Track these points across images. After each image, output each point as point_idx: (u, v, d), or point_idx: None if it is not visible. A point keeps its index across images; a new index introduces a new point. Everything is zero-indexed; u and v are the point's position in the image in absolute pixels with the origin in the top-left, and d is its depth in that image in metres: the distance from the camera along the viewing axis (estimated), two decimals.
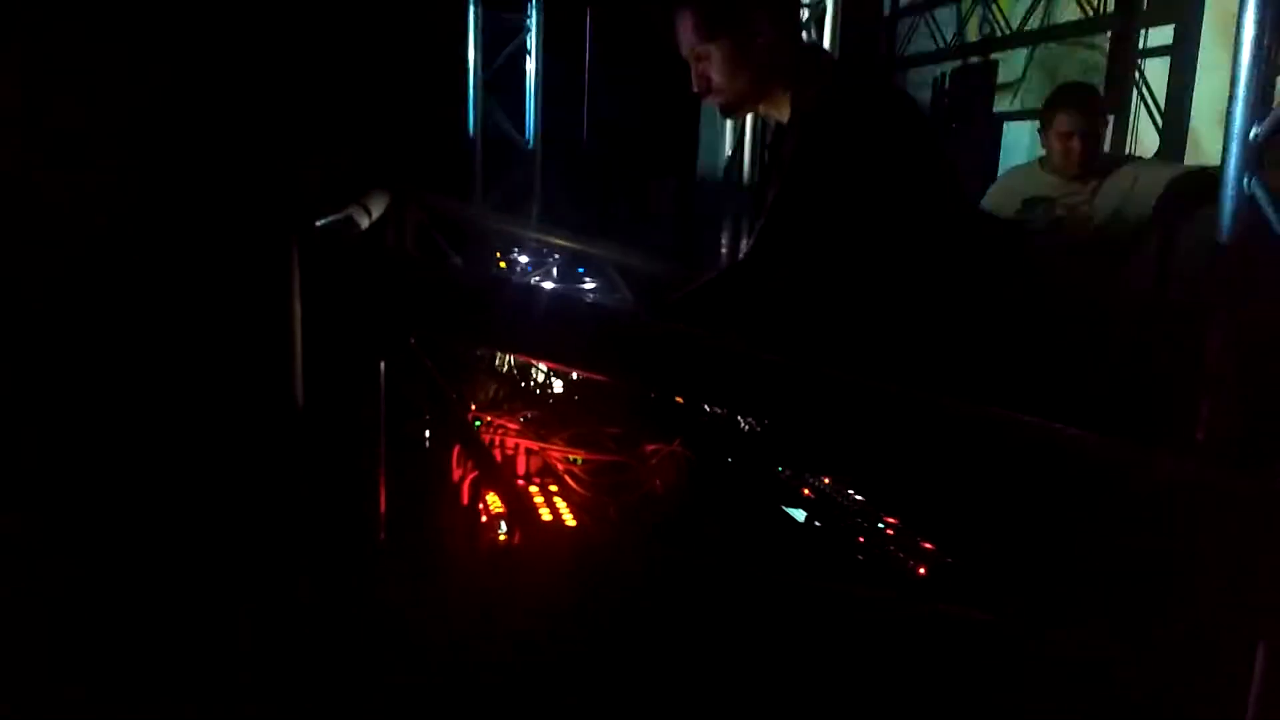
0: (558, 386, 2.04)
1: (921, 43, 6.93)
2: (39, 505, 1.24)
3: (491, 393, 1.94)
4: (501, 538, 1.45)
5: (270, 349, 1.20)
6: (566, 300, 1.78)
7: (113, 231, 1.13)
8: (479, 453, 1.50)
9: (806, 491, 1.91)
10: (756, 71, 2.22)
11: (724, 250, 4.46)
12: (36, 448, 1.22)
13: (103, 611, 1.30)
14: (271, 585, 1.22)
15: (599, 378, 1.95)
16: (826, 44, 4.32)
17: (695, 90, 2.30)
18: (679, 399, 2.09)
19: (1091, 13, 5.18)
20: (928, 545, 1.70)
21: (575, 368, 1.81)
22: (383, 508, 1.26)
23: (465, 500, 1.55)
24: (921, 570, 1.62)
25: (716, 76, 2.23)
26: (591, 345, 1.34)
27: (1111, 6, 4.95)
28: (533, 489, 1.63)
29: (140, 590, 1.32)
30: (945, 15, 6.70)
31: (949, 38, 6.63)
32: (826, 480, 1.94)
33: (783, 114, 2.29)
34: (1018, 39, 5.83)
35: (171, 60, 1.14)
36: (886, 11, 7.06)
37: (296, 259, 1.15)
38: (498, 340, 1.48)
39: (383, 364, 1.22)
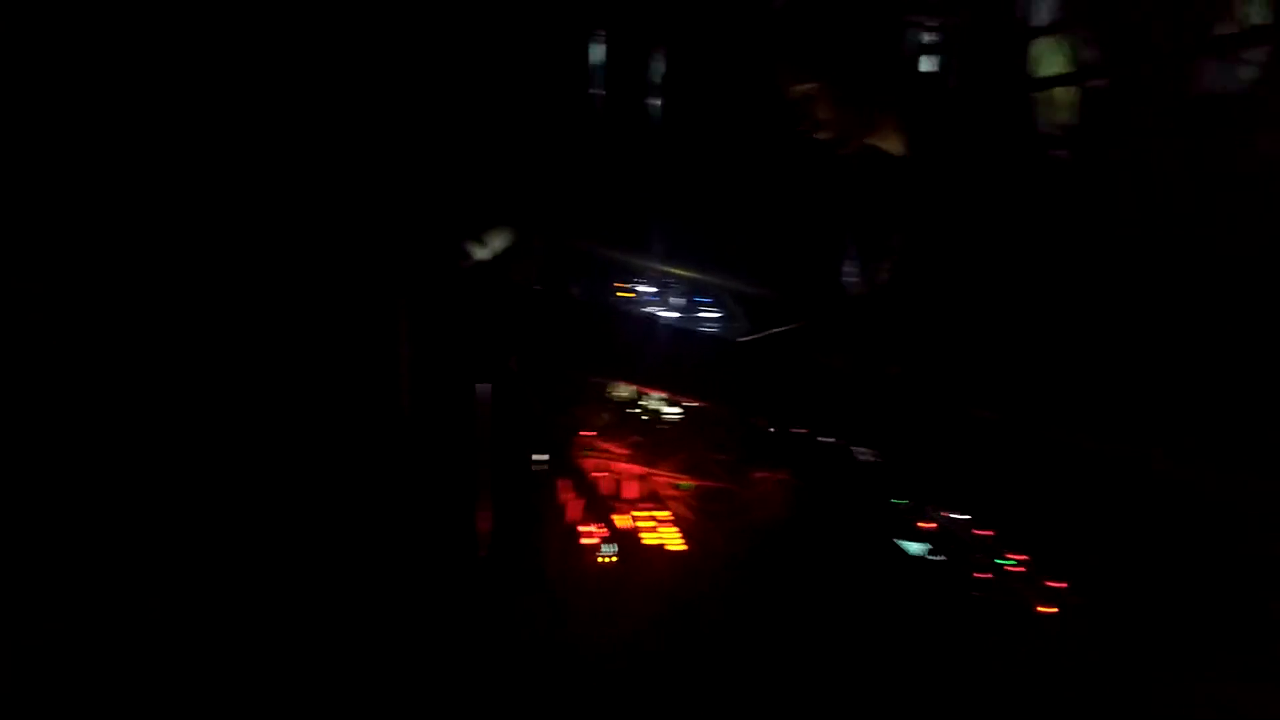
0: (669, 413, 2.04)
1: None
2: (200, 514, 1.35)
3: (603, 418, 1.96)
4: (605, 560, 1.45)
5: (382, 381, 1.25)
6: (654, 326, 1.80)
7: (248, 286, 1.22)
8: (584, 477, 1.52)
9: (927, 524, 1.84)
10: (863, 106, 2.19)
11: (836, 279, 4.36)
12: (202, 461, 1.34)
13: (235, 608, 1.38)
14: (378, 591, 1.27)
15: (707, 405, 1.95)
16: (954, 67, 4.19)
17: (802, 128, 2.27)
18: (791, 428, 2.06)
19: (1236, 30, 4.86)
20: (1057, 584, 1.60)
21: (667, 393, 1.81)
22: (485, 526, 1.29)
23: (571, 521, 1.56)
24: (1048, 610, 1.54)
25: (823, 113, 2.21)
26: (679, 372, 1.33)
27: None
28: (638, 513, 1.63)
29: (264, 588, 1.39)
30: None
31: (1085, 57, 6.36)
32: (950, 514, 1.86)
33: (894, 146, 2.25)
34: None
35: (306, 120, 1.23)
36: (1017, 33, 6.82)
37: (405, 301, 1.20)
38: (586, 363, 1.50)
39: (486, 387, 1.25)
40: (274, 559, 1.47)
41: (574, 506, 1.60)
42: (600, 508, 1.55)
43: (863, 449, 2.06)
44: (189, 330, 1.56)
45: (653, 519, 1.63)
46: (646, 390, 2.04)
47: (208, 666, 1.40)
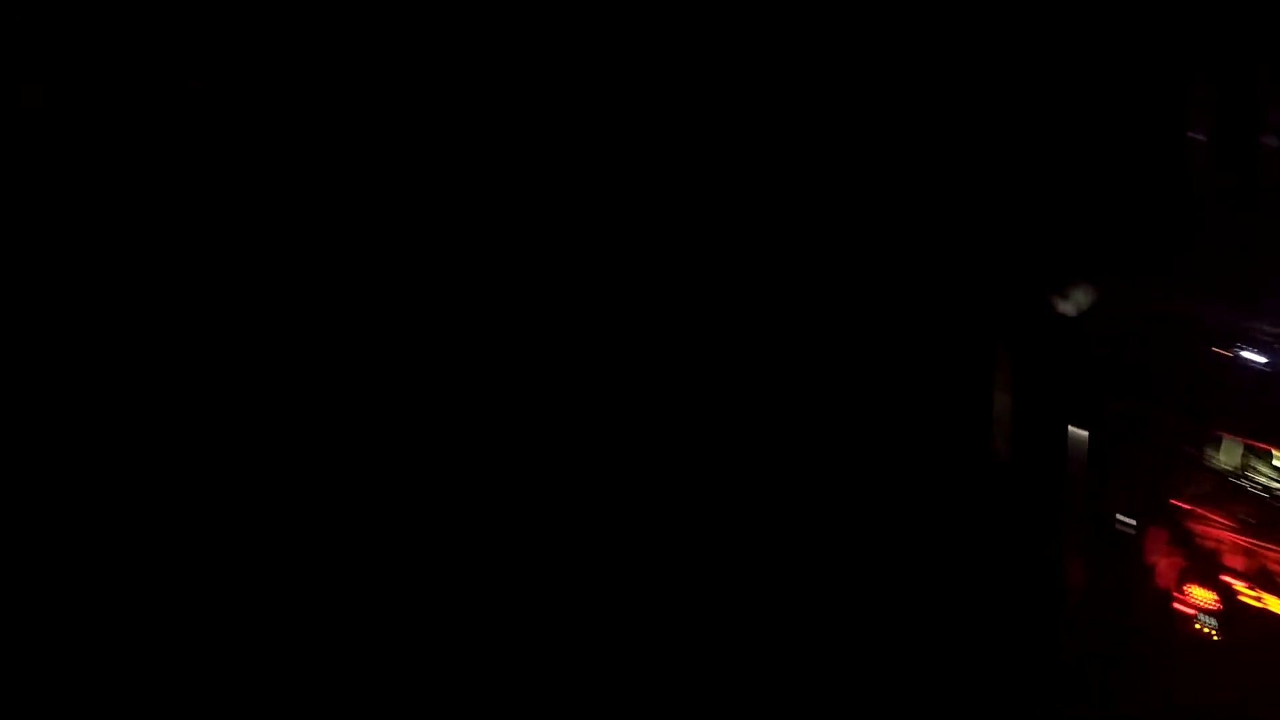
0: None
1: None
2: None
3: (1202, 486, 1.81)
4: (1205, 631, 1.36)
5: (976, 422, 1.36)
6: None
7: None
8: (1181, 543, 1.44)
9: None
10: None
11: None
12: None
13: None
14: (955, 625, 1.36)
15: None
16: None
17: None
18: None
19: None
20: None
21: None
22: (1075, 579, 1.30)
23: (1164, 588, 1.49)
24: None
25: None
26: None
27: None
28: (1244, 588, 1.49)
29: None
30: None
31: None
32: None
33: None
34: None
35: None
36: None
37: (1001, 351, 1.29)
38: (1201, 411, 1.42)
39: (1082, 435, 1.28)
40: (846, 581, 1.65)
41: (1168, 572, 1.53)
42: (1199, 577, 1.47)
43: None
44: (781, 358, 1.82)
45: (1265, 596, 1.49)
46: (1262, 452, 1.84)
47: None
